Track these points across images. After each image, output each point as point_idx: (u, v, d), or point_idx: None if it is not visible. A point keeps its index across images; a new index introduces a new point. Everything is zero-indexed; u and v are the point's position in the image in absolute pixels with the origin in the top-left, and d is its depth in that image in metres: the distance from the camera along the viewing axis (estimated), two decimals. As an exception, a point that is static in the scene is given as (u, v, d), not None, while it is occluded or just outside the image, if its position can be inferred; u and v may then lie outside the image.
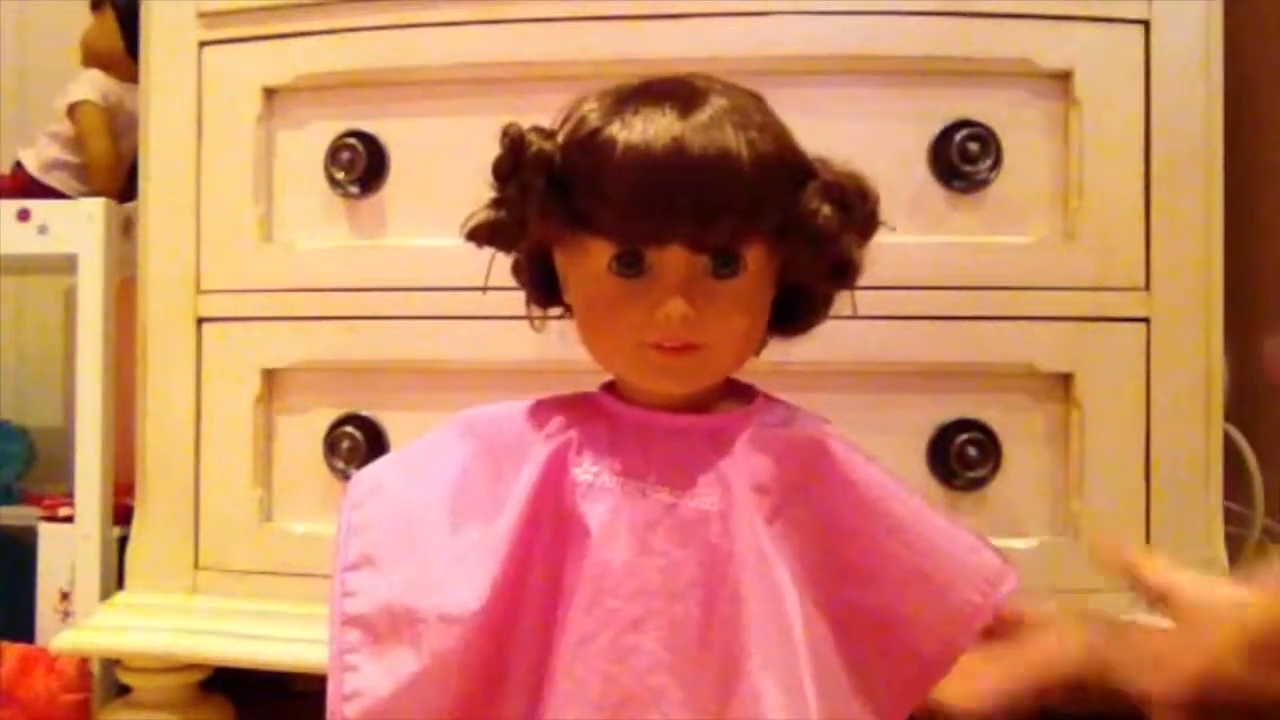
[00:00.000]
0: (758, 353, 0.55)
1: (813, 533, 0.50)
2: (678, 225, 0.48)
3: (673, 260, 0.48)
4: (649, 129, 0.47)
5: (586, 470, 0.51)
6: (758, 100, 0.51)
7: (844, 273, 0.53)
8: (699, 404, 0.52)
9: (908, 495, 0.53)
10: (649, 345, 0.49)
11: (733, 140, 0.47)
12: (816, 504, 0.51)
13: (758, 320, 0.52)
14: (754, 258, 0.49)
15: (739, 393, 0.55)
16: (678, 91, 0.49)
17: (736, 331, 0.51)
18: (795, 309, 0.55)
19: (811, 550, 0.50)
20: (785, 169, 0.49)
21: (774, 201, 0.49)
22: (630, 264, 0.49)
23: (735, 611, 0.48)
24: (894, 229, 0.54)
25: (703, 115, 0.48)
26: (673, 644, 0.49)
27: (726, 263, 0.49)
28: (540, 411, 0.54)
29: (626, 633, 0.49)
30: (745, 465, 0.50)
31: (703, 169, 0.47)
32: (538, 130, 0.52)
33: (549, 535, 0.51)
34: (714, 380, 0.53)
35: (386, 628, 0.50)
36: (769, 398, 0.55)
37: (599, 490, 0.51)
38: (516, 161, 0.51)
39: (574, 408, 0.54)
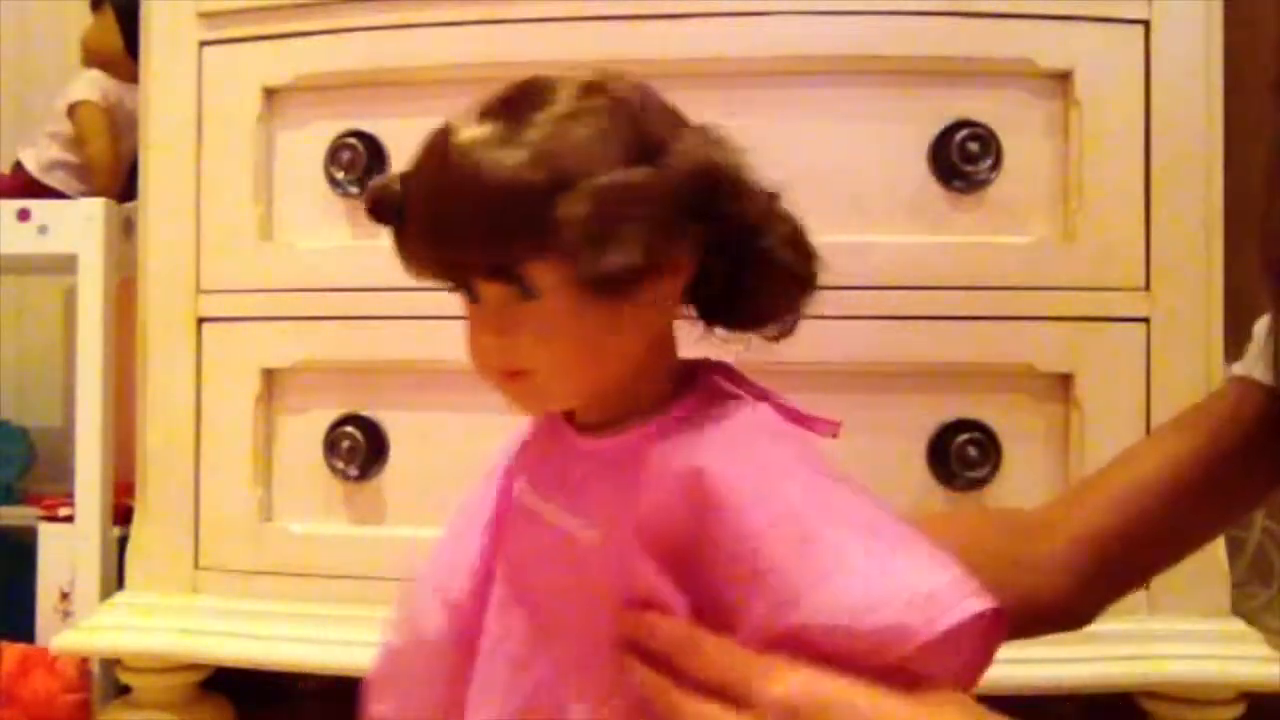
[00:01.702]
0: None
1: (687, 572, 0.46)
2: (442, 256, 0.48)
3: (484, 288, 0.48)
4: (428, 158, 0.47)
5: (519, 486, 0.53)
6: (596, 109, 0.47)
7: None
8: (618, 420, 0.50)
9: (803, 537, 0.44)
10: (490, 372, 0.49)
11: (489, 162, 0.45)
12: (690, 541, 0.46)
13: (593, 339, 0.47)
14: (552, 277, 0.46)
15: (677, 397, 0.50)
16: (489, 105, 0.48)
17: (559, 355, 0.47)
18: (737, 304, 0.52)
19: (689, 590, 0.46)
20: (542, 187, 0.45)
21: (534, 223, 0.45)
22: (466, 293, 0.49)
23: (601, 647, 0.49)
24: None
25: (477, 134, 0.46)
26: (563, 663, 0.50)
27: (524, 288, 0.47)
28: (527, 427, 0.55)
29: (526, 644, 0.50)
30: (631, 496, 0.47)
31: (448, 197, 0.46)
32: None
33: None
34: (565, 402, 0.50)
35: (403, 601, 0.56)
36: (701, 400, 0.50)
37: (519, 508, 0.52)
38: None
39: (542, 424, 0.54)
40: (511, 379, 0.48)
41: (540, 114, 0.46)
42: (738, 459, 0.46)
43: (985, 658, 0.44)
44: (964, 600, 0.42)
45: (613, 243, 0.44)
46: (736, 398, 0.49)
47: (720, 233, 0.47)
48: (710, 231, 0.47)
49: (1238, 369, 0.65)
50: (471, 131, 0.46)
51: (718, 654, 0.44)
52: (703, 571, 0.45)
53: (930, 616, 0.41)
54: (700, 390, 0.50)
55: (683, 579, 0.46)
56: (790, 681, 0.42)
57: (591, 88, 0.48)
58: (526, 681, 0.50)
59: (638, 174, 0.45)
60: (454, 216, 0.46)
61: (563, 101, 0.47)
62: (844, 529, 0.44)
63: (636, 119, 0.47)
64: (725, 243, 0.47)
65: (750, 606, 0.44)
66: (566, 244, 0.44)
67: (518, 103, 0.47)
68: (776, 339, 0.51)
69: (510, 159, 0.45)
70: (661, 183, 0.45)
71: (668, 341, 0.51)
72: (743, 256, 0.48)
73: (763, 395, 0.50)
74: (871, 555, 0.43)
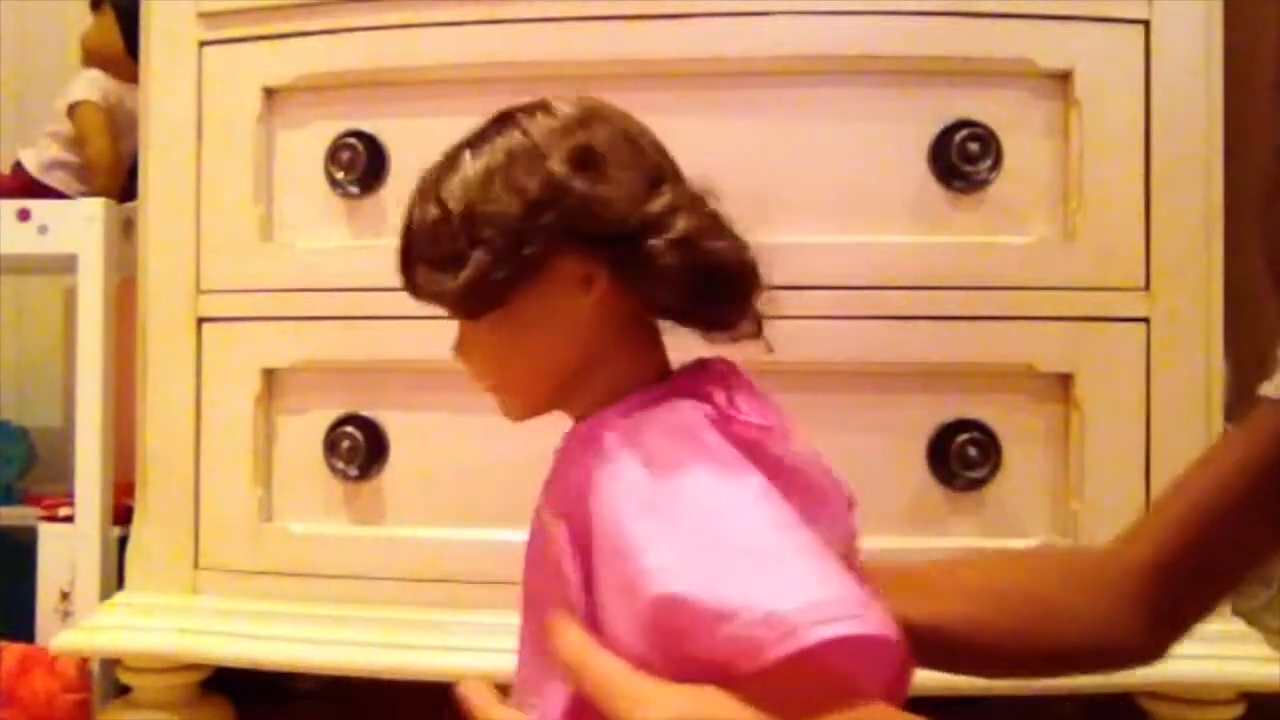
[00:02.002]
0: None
1: (587, 565, 0.48)
2: (403, 280, 0.54)
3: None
4: None
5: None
6: (518, 146, 0.51)
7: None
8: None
9: (668, 542, 0.44)
10: None
11: (417, 203, 0.52)
12: (582, 532, 0.48)
13: (507, 351, 0.52)
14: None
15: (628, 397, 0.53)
16: (469, 133, 0.53)
17: (505, 368, 0.53)
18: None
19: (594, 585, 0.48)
20: (437, 223, 0.51)
21: (426, 255, 0.52)
22: None
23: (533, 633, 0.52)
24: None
25: (431, 168, 0.53)
26: (521, 653, 0.53)
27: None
28: None
29: (527, 642, 0.53)
30: (554, 487, 0.52)
31: (404, 230, 0.53)
32: None
33: None
34: (525, 410, 0.54)
35: None
36: (646, 399, 0.51)
37: (536, 509, 0.55)
38: None
39: None
40: (489, 392, 0.54)
41: (477, 150, 0.51)
42: (628, 458, 0.47)
43: (877, 683, 0.43)
44: (823, 624, 0.40)
45: (455, 268, 0.50)
46: (684, 396, 0.50)
47: (600, 243, 0.49)
48: (588, 243, 0.49)
49: (1267, 390, 0.64)
50: (433, 165, 0.53)
51: (601, 673, 0.45)
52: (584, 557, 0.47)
53: (782, 635, 0.40)
54: (656, 388, 0.51)
55: (590, 574, 0.47)
56: (662, 709, 0.42)
57: (530, 142, 0.50)
58: (525, 680, 0.52)
59: (492, 205, 0.49)
60: (400, 246, 0.53)
61: (497, 142, 0.51)
62: (712, 537, 0.44)
63: (540, 153, 0.50)
64: (616, 252, 0.49)
65: (612, 606, 0.45)
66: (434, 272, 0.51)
67: (478, 136, 0.52)
68: (735, 341, 0.52)
69: (428, 196, 0.52)
70: (505, 208, 0.49)
71: (625, 342, 0.52)
72: (629, 263, 0.49)
73: (747, 392, 0.51)
74: (736, 567, 0.42)
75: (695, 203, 0.50)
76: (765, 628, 0.40)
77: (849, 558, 0.50)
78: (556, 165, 0.49)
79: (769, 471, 0.47)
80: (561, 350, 0.51)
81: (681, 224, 0.49)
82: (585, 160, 0.49)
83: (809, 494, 0.48)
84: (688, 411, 0.48)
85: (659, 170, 0.51)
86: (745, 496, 0.45)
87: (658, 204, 0.49)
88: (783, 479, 0.47)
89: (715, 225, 0.50)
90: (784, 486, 0.47)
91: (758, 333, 0.52)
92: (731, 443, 0.47)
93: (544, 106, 0.52)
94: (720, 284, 0.49)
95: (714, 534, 0.44)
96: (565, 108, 0.51)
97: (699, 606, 0.42)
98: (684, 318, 0.51)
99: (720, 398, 0.50)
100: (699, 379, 0.51)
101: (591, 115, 0.51)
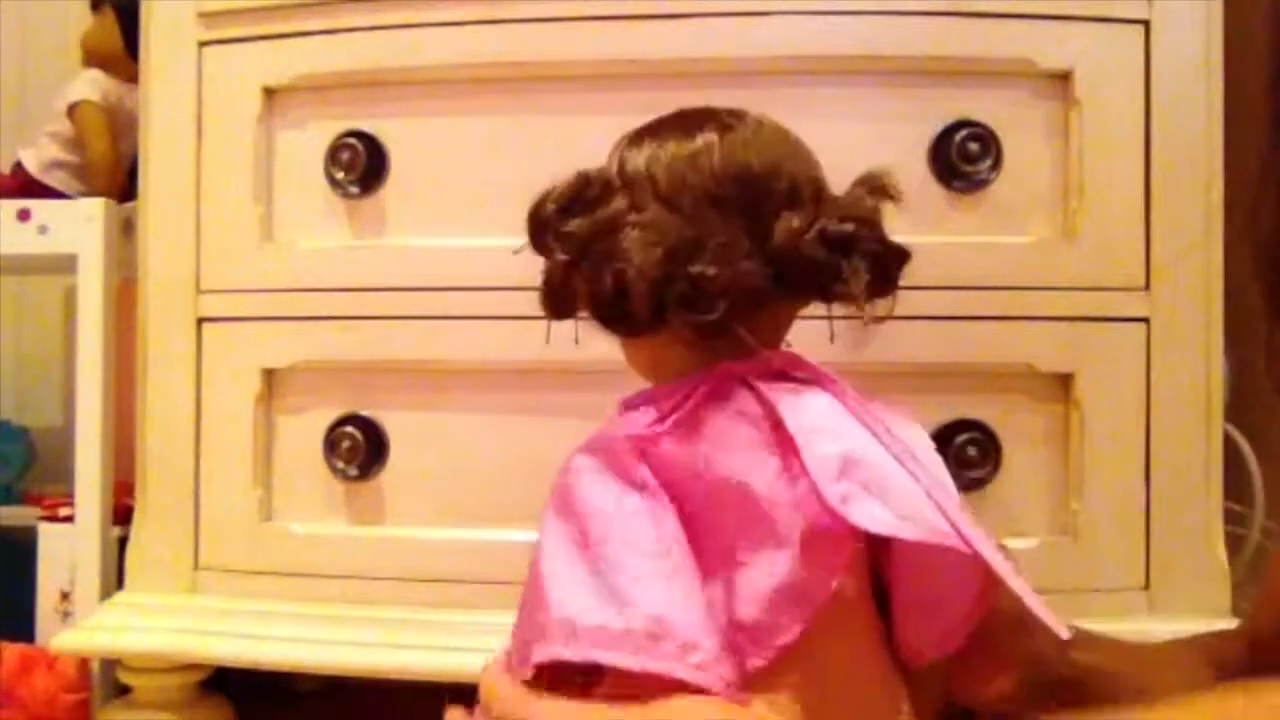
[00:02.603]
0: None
1: None
2: None
3: None
4: None
5: None
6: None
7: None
8: None
9: (558, 546, 0.50)
10: None
11: None
12: None
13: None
14: None
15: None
16: None
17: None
18: None
19: None
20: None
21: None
22: None
23: None
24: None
25: None
26: None
27: None
28: None
29: None
30: None
31: None
32: None
33: None
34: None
35: None
36: (641, 394, 0.59)
37: None
38: None
39: None
40: None
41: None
42: (574, 465, 0.53)
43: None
44: (600, 648, 0.44)
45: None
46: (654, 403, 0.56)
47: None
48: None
49: None
50: None
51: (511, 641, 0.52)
52: None
53: (563, 641, 0.45)
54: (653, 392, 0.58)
55: None
56: (497, 703, 0.49)
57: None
58: None
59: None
60: None
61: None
62: (570, 537, 0.49)
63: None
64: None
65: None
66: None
67: None
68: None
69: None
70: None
71: (674, 343, 0.57)
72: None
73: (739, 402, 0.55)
74: (571, 568, 0.48)
75: (667, 221, 0.54)
76: (556, 626, 0.45)
77: (794, 590, 0.49)
78: (551, 191, 0.59)
79: (674, 480, 0.51)
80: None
81: (625, 242, 0.54)
82: (566, 191, 0.58)
83: (735, 511, 0.50)
84: (613, 419, 0.55)
85: (679, 191, 0.56)
86: (614, 512, 0.49)
87: (606, 223, 0.56)
88: (684, 491, 0.51)
89: (649, 240, 0.54)
90: (685, 495, 0.50)
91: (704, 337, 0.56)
92: (637, 456, 0.52)
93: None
94: (623, 301, 0.54)
95: (578, 537, 0.49)
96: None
97: (540, 580, 0.48)
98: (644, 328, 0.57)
99: (654, 413, 0.54)
100: (679, 387, 0.56)
101: (645, 135, 0.61)
